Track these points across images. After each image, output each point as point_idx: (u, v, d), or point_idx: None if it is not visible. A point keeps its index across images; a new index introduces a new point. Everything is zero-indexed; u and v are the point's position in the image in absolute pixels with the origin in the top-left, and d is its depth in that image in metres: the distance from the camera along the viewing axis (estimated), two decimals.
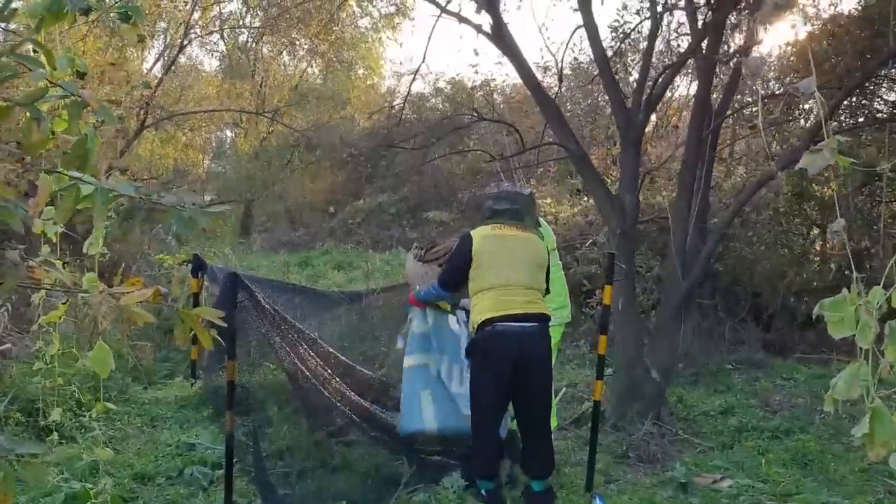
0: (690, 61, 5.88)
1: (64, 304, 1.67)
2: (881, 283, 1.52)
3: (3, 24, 1.36)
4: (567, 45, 10.80)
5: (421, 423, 4.15)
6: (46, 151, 1.68)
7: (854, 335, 1.73)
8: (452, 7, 5.66)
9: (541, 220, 4.44)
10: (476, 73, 14.19)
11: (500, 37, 5.19)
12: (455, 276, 3.91)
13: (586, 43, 5.28)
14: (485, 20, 5.27)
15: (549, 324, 3.82)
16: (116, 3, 1.85)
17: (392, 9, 17.06)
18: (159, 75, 12.65)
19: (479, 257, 3.74)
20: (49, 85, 1.31)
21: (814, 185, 7.88)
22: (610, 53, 6.24)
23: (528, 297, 3.71)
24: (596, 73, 5.84)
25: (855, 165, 1.99)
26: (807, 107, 8.92)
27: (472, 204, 4.08)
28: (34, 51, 1.70)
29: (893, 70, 6.70)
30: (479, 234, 3.81)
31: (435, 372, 4.18)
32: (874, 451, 1.50)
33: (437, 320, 4.24)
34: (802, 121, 8.68)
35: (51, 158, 1.91)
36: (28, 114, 1.33)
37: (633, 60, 9.32)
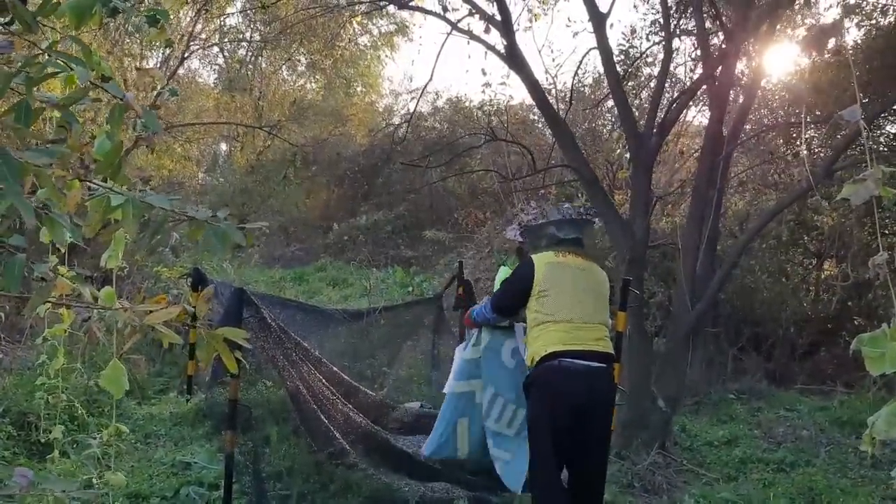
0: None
1: (86, 320, 1.58)
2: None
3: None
4: (578, 67, 10.78)
5: (453, 451, 4.01)
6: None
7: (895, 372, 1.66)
8: (461, 26, 5.62)
9: None
10: (483, 92, 14.08)
11: (513, 56, 5.15)
12: (510, 302, 3.60)
13: (588, 67, 5.27)
14: (495, 39, 5.24)
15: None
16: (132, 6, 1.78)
17: (392, 28, 17.13)
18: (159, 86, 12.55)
19: (541, 287, 3.38)
20: (90, 86, 1.23)
21: (815, 214, 7.89)
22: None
23: (596, 333, 3.37)
24: (601, 96, 5.81)
25: None
26: (807, 136, 8.98)
27: (531, 230, 3.73)
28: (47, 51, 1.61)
29: None
30: (541, 260, 3.45)
31: (478, 399, 3.95)
32: None
33: (491, 342, 3.93)
34: (805, 150, 8.72)
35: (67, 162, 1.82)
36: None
37: (636, 85, 9.33)
